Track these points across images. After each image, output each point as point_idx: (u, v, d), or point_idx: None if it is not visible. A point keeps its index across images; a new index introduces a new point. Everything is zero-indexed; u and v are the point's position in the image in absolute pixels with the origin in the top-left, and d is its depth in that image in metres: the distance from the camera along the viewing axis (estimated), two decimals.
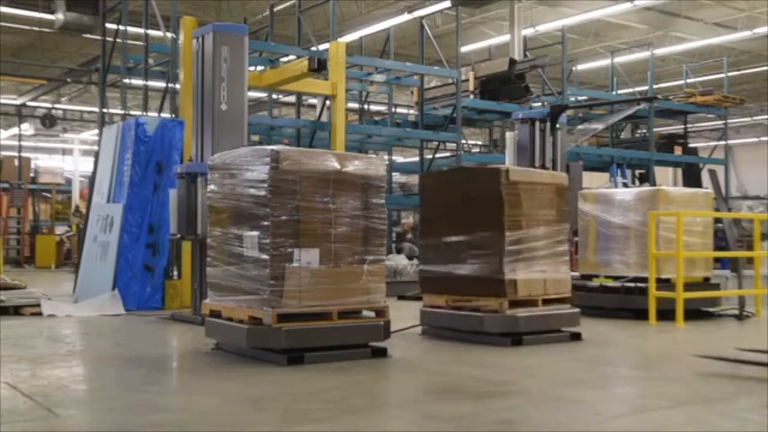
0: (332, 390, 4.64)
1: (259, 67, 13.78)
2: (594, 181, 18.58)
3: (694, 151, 20.46)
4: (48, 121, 25.67)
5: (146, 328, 7.75)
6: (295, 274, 5.38)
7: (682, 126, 21.37)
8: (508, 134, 12.05)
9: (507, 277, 6.45)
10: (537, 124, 10.91)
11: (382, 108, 20.98)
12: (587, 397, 4.62)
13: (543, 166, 10.64)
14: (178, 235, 8.17)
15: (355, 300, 5.65)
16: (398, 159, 23.03)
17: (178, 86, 10.43)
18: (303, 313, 5.44)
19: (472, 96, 15.39)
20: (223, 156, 5.97)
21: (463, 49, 16.38)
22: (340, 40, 13.22)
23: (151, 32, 11.91)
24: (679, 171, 21.76)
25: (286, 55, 13.80)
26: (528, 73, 16.19)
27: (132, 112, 13.65)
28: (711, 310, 8.95)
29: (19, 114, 24.96)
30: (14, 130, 26.26)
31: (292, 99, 17.33)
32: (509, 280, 6.46)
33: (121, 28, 12.17)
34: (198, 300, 7.55)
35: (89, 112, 26.90)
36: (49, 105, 26.37)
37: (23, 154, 23.69)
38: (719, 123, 23.89)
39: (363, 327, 5.74)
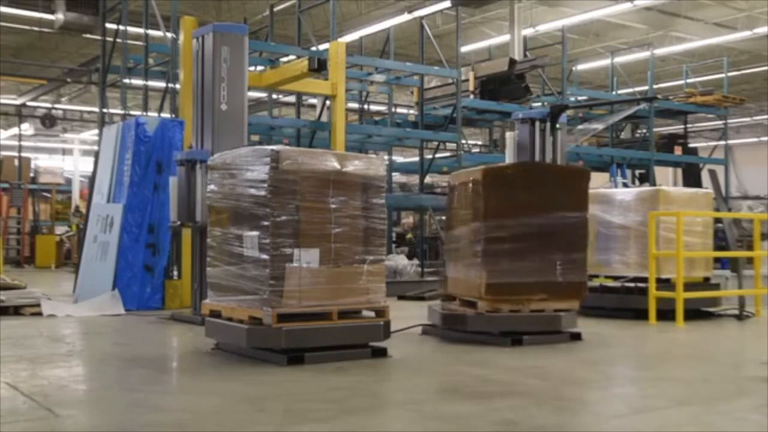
0: (332, 390, 4.63)
1: (259, 67, 13.77)
2: (594, 181, 18.53)
3: (694, 151, 20.45)
4: (48, 121, 25.66)
5: (146, 328, 7.75)
6: (295, 274, 5.38)
7: (682, 126, 21.36)
8: (508, 134, 12.05)
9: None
10: (537, 124, 10.89)
11: (382, 108, 20.98)
12: (587, 397, 4.62)
13: None
14: (178, 223, 8.15)
15: (355, 300, 5.65)
16: (398, 159, 23.00)
17: (178, 86, 10.43)
18: (303, 313, 5.44)
19: (472, 96, 15.37)
20: (223, 156, 5.97)
21: (463, 49, 16.37)
22: (340, 40, 13.21)
23: (151, 32, 11.90)
24: (679, 171, 21.74)
25: (286, 55, 13.79)
26: (528, 73, 16.17)
27: (132, 112, 13.63)
28: (711, 310, 8.95)
29: (19, 114, 24.96)
30: (14, 130, 26.25)
31: (292, 99, 17.33)
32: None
33: (121, 28, 12.16)
34: (198, 300, 7.54)
35: (89, 112, 26.90)
36: (49, 105, 26.36)
37: (23, 154, 23.68)
38: (719, 123, 23.88)
39: (363, 327, 5.73)
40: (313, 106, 20.33)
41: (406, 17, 17.40)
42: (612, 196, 9.15)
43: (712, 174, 18.67)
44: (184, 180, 8.02)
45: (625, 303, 8.64)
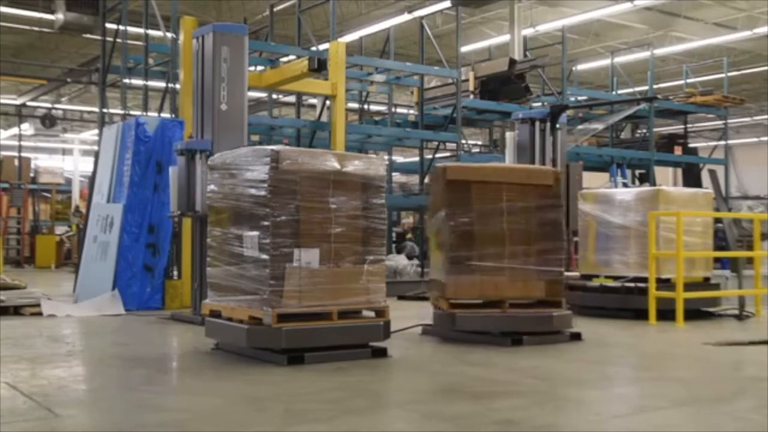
0: (332, 390, 4.64)
1: (259, 67, 13.77)
2: (594, 181, 18.57)
3: (694, 151, 20.45)
4: (48, 121, 25.65)
5: (146, 328, 7.75)
6: (295, 274, 5.38)
7: (682, 126, 21.35)
8: (508, 134, 12.04)
9: None
10: (537, 124, 10.89)
11: (382, 108, 20.97)
12: (587, 397, 4.62)
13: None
14: (178, 213, 8.14)
15: (355, 300, 5.65)
16: (398, 159, 23.01)
17: (178, 86, 10.43)
18: (303, 313, 5.44)
19: (472, 96, 15.37)
20: (223, 156, 5.97)
21: (463, 49, 16.37)
22: (340, 40, 13.20)
23: (151, 32, 11.91)
24: (679, 171, 21.75)
25: (286, 55, 13.79)
26: (528, 73, 16.17)
27: (132, 112, 13.63)
28: (711, 310, 8.95)
29: (19, 114, 24.93)
30: (14, 130, 26.23)
31: (292, 99, 17.32)
32: None
33: (121, 28, 12.16)
34: (198, 300, 7.55)
35: (89, 112, 26.88)
36: (49, 105, 26.34)
37: (23, 154, 23.65)
38: (719, 123, 23.88)
39: (363, 327, 5.74)
40: (313, 106, 20.32)
41: (406, 17, 17.40)
42: (612, 196, 9.14)
43: (712, 174, 18.68)
44: (184, 170, 8.01)
45: (625, 303, 8.64)
